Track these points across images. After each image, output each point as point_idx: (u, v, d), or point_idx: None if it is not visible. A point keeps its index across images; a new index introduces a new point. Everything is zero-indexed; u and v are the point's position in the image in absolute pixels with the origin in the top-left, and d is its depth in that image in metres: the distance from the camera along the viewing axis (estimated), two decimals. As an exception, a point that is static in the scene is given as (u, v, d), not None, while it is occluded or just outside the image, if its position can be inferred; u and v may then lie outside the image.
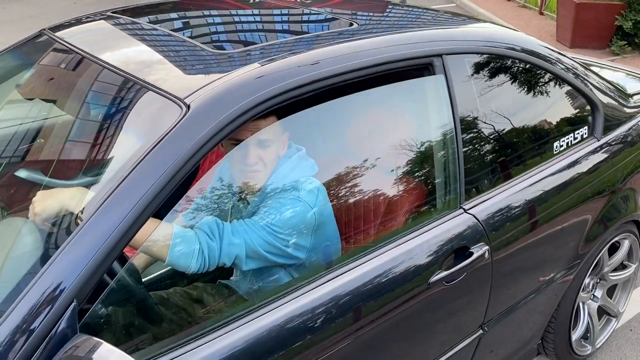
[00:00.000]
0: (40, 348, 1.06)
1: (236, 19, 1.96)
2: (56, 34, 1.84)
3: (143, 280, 1.99)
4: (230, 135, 1.49)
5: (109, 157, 1.40)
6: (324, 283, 1.42)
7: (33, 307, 1.07)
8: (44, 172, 1.47)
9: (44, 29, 1.98)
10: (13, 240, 1.30)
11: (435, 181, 1.74)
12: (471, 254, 1.66)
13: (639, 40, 7.33)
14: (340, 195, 1.83)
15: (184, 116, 1.27)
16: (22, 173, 1.53)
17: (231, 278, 1.89)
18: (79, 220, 1.18)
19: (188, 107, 1.29)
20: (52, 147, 1.69)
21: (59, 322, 1.07)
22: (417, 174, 2.14)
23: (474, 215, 1.73)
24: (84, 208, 1.22)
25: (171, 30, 1.82)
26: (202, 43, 1.63)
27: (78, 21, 1.99)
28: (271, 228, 1.54)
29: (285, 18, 1.98)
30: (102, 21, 1.94)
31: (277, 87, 1.38)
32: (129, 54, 1.65)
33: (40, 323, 1.06)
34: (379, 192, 1.94)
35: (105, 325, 1.50)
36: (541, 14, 9.12)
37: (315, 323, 1.39)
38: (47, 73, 1.72)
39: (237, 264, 1.56)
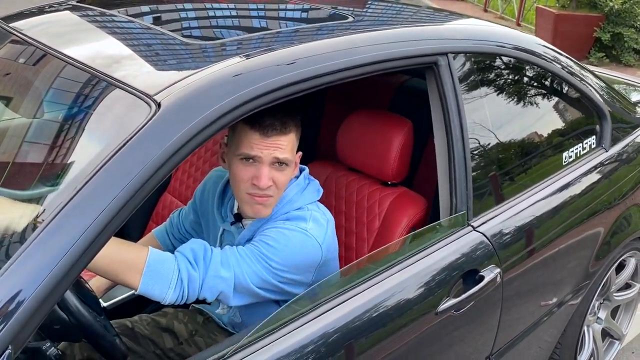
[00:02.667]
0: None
1: (218, 10, 1.74)
2: (11, 24, 1.60)
3: (104, 305, 1.75)
4: (240, 150, 1.31)
5: (68, 163, 1.17)
6: (320, 315, 1.21)
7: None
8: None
9: (-6, 18, 1.74)
10: None
11: (441, 195, 1.54)
12: (482, 277, 1.47)
13: (616, 52, 7.36)
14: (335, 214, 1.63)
15: (153, 115, 1.05)
16: None
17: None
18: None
19: (158, 105, 1.07)
20: (4, 152, 1.44)
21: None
22: (420, 186, 1.94)
23: (483, 234, 1.53)
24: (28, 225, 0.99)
25: (144, 21, 1.60)
26: (178, 35, 1.41)
27: (39, 11, 1.75)
28: (268, 263, 1.30)
29: (273, 7, 1.77)
30: (66, 12, 1.70)
31: (263, 85, 1.17)
32: (95, 47, 1.42)
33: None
34: (375, 208, 1.74)
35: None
36: (518, 25, 9.12)
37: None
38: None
39: (221, 299, 1.33)
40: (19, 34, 1.48)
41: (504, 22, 9.34)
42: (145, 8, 1.78)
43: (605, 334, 2.38)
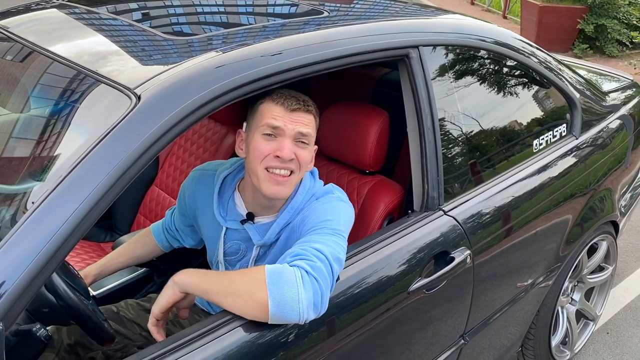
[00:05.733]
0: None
1: (199, 7, 1.80)
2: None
3: (93, 293, 1.81)
4: (265, 121, 1.31)
5: (53, 155, 1.22)
6: None
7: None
8: None
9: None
10: None
11: (414, 181, 1.62)
12: (452, 259, 1.54)
13: (600, 44, 7.45)
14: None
15: (133, 108, 1.11)
16: None
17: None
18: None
19: (138, 97, 1.13)
20: None
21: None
22: (393, 172, 2.02)
23: (454, 217, 1.61)
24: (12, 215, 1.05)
25: (127, 19, 1.65)
26: (160, 31, 1.47)
27: (26, 9, 1.79)
28: (340, 234, 1.30)
29: (250, 3, 1.83)
30: (53, 9, 1.75)
31: (240, 77, 1.23)
32: (80, 44, 1.47)
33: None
34: (354, 195, 1.81)
35: (47, 348, 1.32)
36: (505, 17, 9.20)
37: (288, 338, 1.25)
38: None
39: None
40: (5, 32, 1.53)
41: (490, 14, 9.43)
42: (129, 5, 1.84)
43: (580, 315, 2.47)
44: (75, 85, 1.26)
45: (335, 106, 1.89)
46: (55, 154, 1.18)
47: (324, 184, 1.48)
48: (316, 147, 1.44)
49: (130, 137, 1.08)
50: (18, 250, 0.96)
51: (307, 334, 1.28)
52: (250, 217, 1.45)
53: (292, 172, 1.35)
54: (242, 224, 1.45)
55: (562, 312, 2.34)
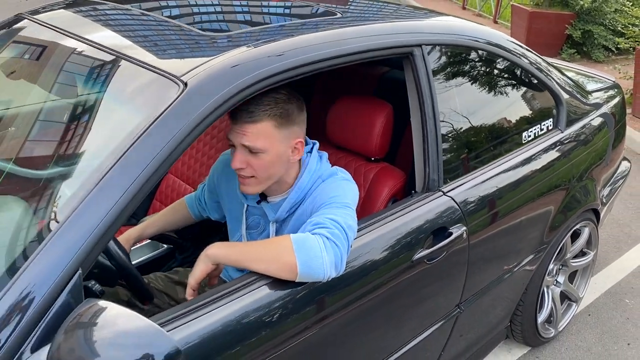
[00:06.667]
0: (44, 318, 1.06)
1: (227, 7, 1.99)
2: (37, 17, 1.83)
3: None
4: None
5: (110, 137, 1.37)
6: None
7: (36, 276, 1.08)
8: (46, 155, 1.45)
9: (21, 13, 1.96)
10: (11, 215, 1.29)
11: (416, 166, 1.81)
12: (450, 233, 1.74)
13: (587, 49, 7.71)
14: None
15: (181, 93, 1.30)
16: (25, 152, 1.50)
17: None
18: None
19: (185, 84, 1.31)
20: (51, 130, 1.63)
21: (63, 291, 1.08)
22: (400, 162, 2.21)
23: (452, 198, 1.81)
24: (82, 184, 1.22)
25: (161, 15, 1.83)
26: (196, 27, 1.65)
27: (63, 6, 1.96)
28: (349, 207, 1.49)
29: (272, 4, 2.02)
30: (87, 6, 1.92)
31: (269, 69, 1.41)
32: (122, 36, 1.65)
33: (45, 293, 1.07)
34: (361, 180, 2.00)
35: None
36: (495, 22, 9.45)
37: (301, 302, 1.42)
38: (35, 56, 1.70)
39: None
40: (52, 26, 1.71)
41: (482, 19, 9.67)
42: (160, 3, 2.01)
43: (564, 296, 2.68)
44: (127, 74, 1.43)
45: (343, 99, 2.08)
46: (112, 135, 1.33)
47: None
48: (299, 140, 1.53)
49: (180, 119, 1.26)
50: (92, 210, 1.14)
51: (321, 296, 1.46)
52: (263, 197, 1.65)
53: (252, 175, 1.50)
54: (258, 204, 1.65)
55: (548, 292, 2.54)
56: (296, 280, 1.36)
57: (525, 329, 2.44)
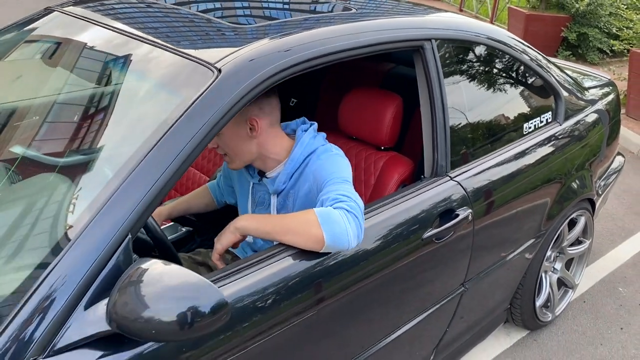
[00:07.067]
0: (98, 278, 1.18)
1: (251, 2, 2.10)
2: (67, 9, 1.94)
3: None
4: None
5: (152, 116, 1.47)
6: None
7: (91, 242, 1.19)
8: (96, 133, 1.56)
9: (51, 7, 2.07)
10: (67, 190, 1.40)
11: (425, 152, 1.93)
12: (457, 215, 1.86)
13: (582, 51, 7.87)
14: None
15: (216, 78, 1.41)
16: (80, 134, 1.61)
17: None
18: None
19: (219, 71, 1.43)
20: (100, 112, 1.72)
21: (115, 253, 1.19)
22: (407, 151, 2.34)
23: (459, 183, 1.93)
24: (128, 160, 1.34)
25: (189, 8, 1.94)
26: (225, 21, 1.77)
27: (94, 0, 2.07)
28: (347, 180, 1.62)
29: (294, 1, 2.15)
30: (116, 1, 2.04)
31: (295, 58, 1.54)
32: (156, 27, 1.77)
33: (99, 255, 1.18)
34: (371, 168, 2.13)
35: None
36: (492, 24, 9.60)
37: (319, 272, 1.54)
38: (70, 46, 1.81)
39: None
40: (84, 18, 1.82)
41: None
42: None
43: (561, 283, 2.81)
44: (165, 62, 1.54)
45: (355, 91, 2.21)
46: (156, 116, 1.43)
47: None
48: (253, 118, 1.65)
49: (216, 101, 1.38)
50: (141, 181, 1.25)
51: (336, 271, 1.58)
52: (261, 174, 1.81)
53: (225, 153, 1.71)
54: (260, 181, 1.81)
55: (545, 278, 2.67)
56: (321, 251, 1.48)
57: (524, 312, 2.57)
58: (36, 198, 1.43)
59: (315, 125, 1.81)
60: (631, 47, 5.83)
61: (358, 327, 1.73)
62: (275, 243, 1.56)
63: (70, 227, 1.24)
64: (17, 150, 1.58)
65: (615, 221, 3.86)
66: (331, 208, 1.51)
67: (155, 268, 1.15)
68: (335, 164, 1.68)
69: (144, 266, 1.16)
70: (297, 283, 1.48)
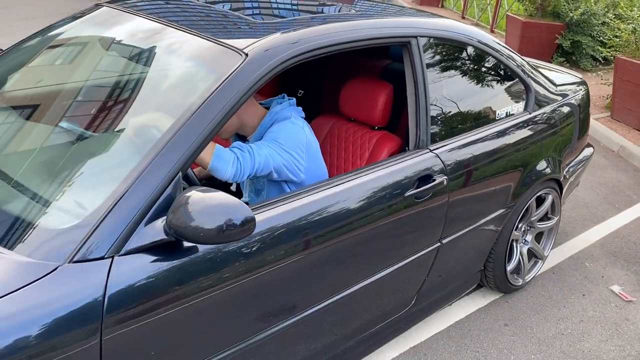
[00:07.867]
0: (155, 204, 1.59)
1: (267, 1, 2.54)
2: (115, 5, 2.37)
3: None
4: None
5: (194, 89, 1.85)
6: (320, 191, 1.97)
7: (153, 177, 1.61)
8: (158, 98, 1.98)
9: (100, 3, 2.50)
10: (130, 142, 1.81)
11: (410, 129, 2.35)
12: (434, 179, 2.28)
13: (575, 58, 8.27)
14: (338, 150, 2.43)
15: (243, 61, 1.83)
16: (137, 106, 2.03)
17: (241, 199, 2.42)
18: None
19: (246, 55, 1.85)
20: (153, 85, 2.07)
21: (169, 185, 1.61)
22: (399, 132, 2.75)
23: (437, 155, 2.34)
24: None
25: (218, 6, 2.37)
26: (248, 16, 2.20)
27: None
28: (278, 142, 2.15)
29: (302, 3, 2.57)
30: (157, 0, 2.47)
31: (304, 47, 1.96)
32: (192, 20, 2.21)
33: (158, 184, 1.60)
34: (366, 144, 2.55)
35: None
36: (492, 31, 10.02)
37: (311, 221, 1.95)
38: (120, 34, 2.24)
39: (257, 173, 2.11)
40: (131, 11, 2.25)
41: (480, 28, 10.23)
42: None
43: (531, 254, 3.21)
44: (211, 48, 1.96)
45: (353, 80, 2.63)
46: (195, 90, 1.84)
47: (344, 138, 2.32)
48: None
49: (245, 77, 1.80)
50: (189, 132, 1.67)
51: (327, 222, 1.99)
52: (244, 139, 2.38)
53: None
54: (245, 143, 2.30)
55: (516, 247, 3.08)
56: (206, 170, 2.00)
57: (496, 275, 2.98)
58: (110, 145, 1.85)
59: (294, 100, 2.30)
60: (617, 53, 6.23)
61: (347, 268, 2.14)
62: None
63: (137, 165, 1.66)
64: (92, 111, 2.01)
65: (589, 209, 4.26)
66: (229, 149, 2.05)
67: (197, 194, 1.57)
68: (281, 130, 2.20)
69: (187, 195, 1.57)
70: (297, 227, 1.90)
